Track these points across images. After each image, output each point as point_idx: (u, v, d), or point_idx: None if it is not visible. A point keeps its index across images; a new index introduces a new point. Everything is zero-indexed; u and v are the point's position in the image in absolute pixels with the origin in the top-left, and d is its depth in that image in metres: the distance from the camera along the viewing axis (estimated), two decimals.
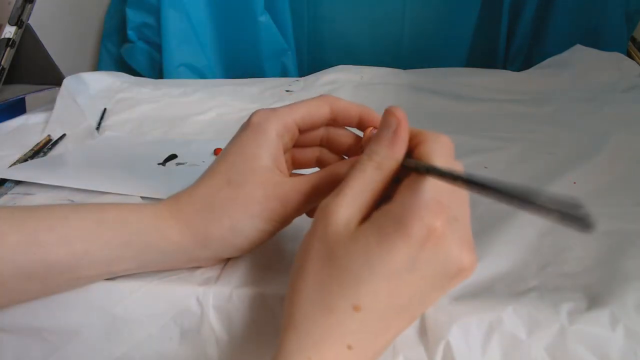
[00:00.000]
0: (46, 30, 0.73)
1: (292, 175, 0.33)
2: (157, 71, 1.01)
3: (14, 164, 0.51)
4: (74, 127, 0.61)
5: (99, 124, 0.64)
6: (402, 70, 0.83)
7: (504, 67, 1.00)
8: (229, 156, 0.30)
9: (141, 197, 0.41)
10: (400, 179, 0.25)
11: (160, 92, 0.75)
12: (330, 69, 0.84)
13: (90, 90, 0.73)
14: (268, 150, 0.29)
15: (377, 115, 0.31)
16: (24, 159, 0.52)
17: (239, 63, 1.03)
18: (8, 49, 0.65)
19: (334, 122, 0.32)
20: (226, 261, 0.33)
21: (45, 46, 0.70)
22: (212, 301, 0.30)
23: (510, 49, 1.00)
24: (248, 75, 0.93)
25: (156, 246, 0.29)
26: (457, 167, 0.25)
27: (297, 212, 0.30)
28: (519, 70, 0.85)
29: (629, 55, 0.89)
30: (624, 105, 0.64)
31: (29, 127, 0.63)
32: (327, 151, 0.33)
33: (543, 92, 0.72)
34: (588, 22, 0.93)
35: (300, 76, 0.90)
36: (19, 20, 0.66)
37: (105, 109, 0.68)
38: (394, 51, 1.04)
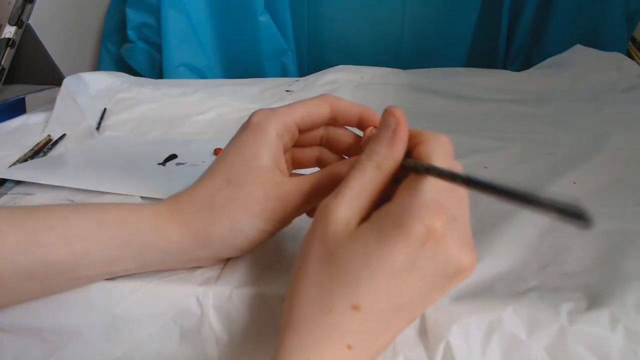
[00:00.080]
0: (46, 30, 0.73)
1: (292, 175, 0.33)
2: (157, 71, 1.01)
3: (14, 164, 0.51)
4: (74, 127, 0.61)
5: (99, 124, 0.64)
6: (402, 70, 0.83)
7: (504, 67, 1.00)
8: (229, 156, 0.30)
9: (141, 197, 0.41)
10: (399, 179, 0.25)
11: (160, 92, 0.75)
12: (330, 69, 0.84)
13: (90, 90, 0.73)
14: (268, 150, 0.29)
15: (377, 115, 0.31)
16: (24, 159, 0.52)
17: (239, 63, 1.03)
18: (8, 49, 0.65)
19: (333, 121, 0.32)
20: (226, 261, 0.33)
21: (45, 46, 0.70)
22: (212, 301, 0.30)
23: (510, 49, 1.00)
24: (248, 75, 0.93)
25: (156, 246, 0.29)
26: (457, 167, 0.25)
27: (297, 212, 0.30)
28: (519, 70, 0.85)
29: (629, 55, 0.89)
30: (624, 105, 0.64)
31: (29, 127, 0.63)
32: (327, 151, 0.33)
33: (543, 92, 0.72)
34: (588, 22, 0.93)
35: (300, 76, 0.90)
36: (19, 20, 0.66)
37: (105, 109, 0.68)
38: (394, 51, 1.04)
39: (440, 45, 1.02)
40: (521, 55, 1.00)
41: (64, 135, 0.60)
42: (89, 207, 0.30)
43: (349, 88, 0.75)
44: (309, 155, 0.33)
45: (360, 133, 0.32)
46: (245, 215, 0.29)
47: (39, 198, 0.43)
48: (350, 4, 1.02)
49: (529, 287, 0.30)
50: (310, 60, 1.07)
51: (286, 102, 0.32)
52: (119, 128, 0.63)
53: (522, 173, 0.46)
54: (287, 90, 0.77)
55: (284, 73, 1.03)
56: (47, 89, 0.70)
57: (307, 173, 0.31)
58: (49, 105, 0.66)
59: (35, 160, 0.53)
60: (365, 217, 0.24)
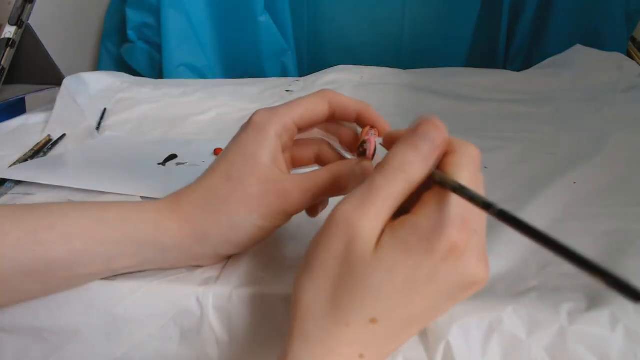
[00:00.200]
0: (46, 30, 0.73)
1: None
2: (157, 71, 1.01)
3: (14, 164, 0.51)
4: (74, 127, 0.61)
5: (99, 124, 0.64)
6: (402, 70, 0.83)
7: (504, 67, 1.00)
8: (230, 155, 0.30)
9: (141, 197, 0.41)
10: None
11: (160, 92, 0.75)
12: (330, 69, 0.84)
13: (90, 90, 0.73)
14: (268, 149, 0.29)
15: (374, 112, 0.31)
16: (24, 159, 0.52)
17: (239, 63, 1.03)
18: (8, 49, 0.65)
19: (332, 117, 0.32)
20: (226, 261, 0.33)
21: (45, 46, 0.70)
22: (212, 301, 0.30)
23: (510, 49, 1.00)
24: (248, 75, 0.93)
25: (156, 242, 0.29)
26: (481, 180, 0.25)
27: (295, 210, 0.30)
28: (519, 70, 0.85)
29: (629, 55, 0.89)
30: (624, 105, 0.64)
31: (29, 127, 0.63)
32: (326, 148, 0.33)
33: (543, 92, 0.72)
34: (588, 22, 0.93)
35: (300, 76, 0.90)
36: (19, 20, 0.66)
37: (105, 109, 0.68)
38: (394, 51, 1.04)
39: (440, 45, 1.02)
40: (521, 55, 1.00)
41: (64, 135, 0.60)
42: (89, 205, 0.30)
43: (349, 88, 0.76)
44: (308, 153, 0.33)
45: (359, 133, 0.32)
46: (243, 210, 0.29)
47: (39, 198, 0.43)
48: (350, 4, 1.02)
49: (529, 287, 0.30)
50: (310, 60, 1.07)
51: None
52: (119, 128, 0.63)
53: (522, 173, 0.46)
54: (287, 90, 0.77)
55: (284, 73, 1.03)
56: (47, 89, 0.70)
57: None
58: (49, 105, 0.66)
59: (35, 160, 0.53)
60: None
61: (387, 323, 0.23)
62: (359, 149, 0.30)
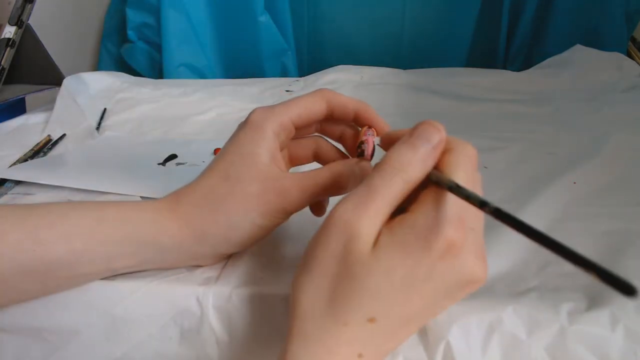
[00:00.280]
0: (46, 30, 0.73)
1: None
2: (157, 71, 1.01)
3: (14, 164, 0.51)
4: (74, 127, 0.61)
5: (99, 124, 0.64)
6: (402, 70, 0.83)
7: (504, 67, 1.00)
8: (227, 154, 0.30)
9: (141, 197, 0.41)
10: None
11: (160, 92, 0.75)
12: (330, 69, 0.84)
13: (90, 90, 0.73)
14: (266, 148, 0.29)
15: (373, 111, 0.31)
16: (24, 159, 0.52)
17: (239, 63, 1.03)
18: (8, 49, 0.65)
19: (330, 117, 0.32)
20: (226, 261, 0.33)
21: (45, 46, 0.70)
22: (212, 301, 0.30)
23: (510, 49, 1.00)
24: (248, 75, 0.93)
25: (155, 242, 0.29)
26: (478, 179, 0.25)
27: (295, 208, 0.30)
28: (519, 70, 0.85)
29: (629, 55, 0.89)
30: (624, 105, 0.64)
31: (29, 127, 0.63)
32: (324, 144, 0.33)
33: (543, 92, 0.72)
34: (588, 22, 0.93)
35: (300, 76, 0.90)
36: (19, 20, 0.66)
37: (105, 109, 0.68)
38: (394, 51, 1.04)
39: (440, 45, 1.02)
40: (521, 55, 1.00)
41: (64, 135, 0.60)
42: (89, 204, 0.30)
43: (349, 88, 0.76)
44: (306, 151, 0.33)
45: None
46: (242, 209, 0.29)
47: (39, 198, 0.43)
48: (350, 4, 1.02)
49: (529, 287, 0.30)
50: (310, 60, 1.07)
51: None
52: (119, 128, 0.63)
53: (522, 173, 0.46)
54: (287, 90, 0.77)
55: (284, 73, 1.03)
56: (47, 89, 0.70)
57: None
58: (49, 105, 0.66)
59: (35, 160, 0.53)
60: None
61: (385, 322, 0.23)
62: (358, 149, 0.30)
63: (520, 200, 0.40)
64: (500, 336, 0.27)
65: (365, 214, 0.23)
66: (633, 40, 0.95)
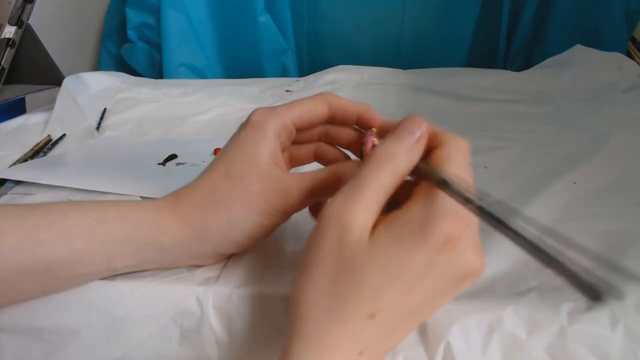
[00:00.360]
0: (46, 30, 0.73)
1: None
2: (157, 71, 1.01)
3: (14, 164, 0.51)
4: (74, 127, 0.61)
5: (99, 124, 0.64)
6: (402, 70, 0.83)
7: (504, 67, 1.00)
8: (228, 154, 0.30)
9: (141, 197, 0.41)
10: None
11: (160, 92, 0.75)
12: (330, 69, 0.84)
13: (90, 90, 0.73)
14: (267, 148, 0.29)
15: (376, 114, 0.31)
16: (24, 159, 0.52)
17: (239, 63, 1.03)
18: (8, 49, 0.65)
19: (332, 120, 0.32)
20: (226, 261, 0.33)
21: (45, 46, 0.70)
22: (212, 301, 0.30)
23: (510, 49, 1.00)
24: (248, 75, 0.93)
25: (155, 241, 0.29)
26: (470, 175, 0.25)
27: (295, 209, 0.30)
28: (519, 70, 0.86)
29: (629, 55, 0.89)
30: (624, 105, 0.64)
31: (29, 127, 0.63)
32: (324, 145, 0.33)
33: (543, 92, 0.72)
34: (588, 22, 0.93)
35: (300, 76, 0.90)
36: (19, 20, 0.66)
37: (105, 109, 0.68)
38: (394, 51, 1.04)
39: (440, 45, 1.02)
40: (521, 55, 1.00)
41: (64, 135, 0.60)
42: (89, 204, 0.30)
43: (349, 88, 0.75)
44: (307, 151, 0.33)
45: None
46: (242, 208, 0.29)
47: (39, 198, 0.43)
48: (350, 4, 1.02)
49: (529, 287, 0.30)
50: (310, 60, 1.07)
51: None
52: (119, 128, 0.63)
53: (522, 173, 0.46)
54: (287, 91, 0.77)
55: (284, 73, 1.03)
56: (47, 89, 0.70)
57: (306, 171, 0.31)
58: (49, 105, 0.66)
59: (35, 160, 0.53)
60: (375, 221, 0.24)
61: (385, 317, 0.23)
62: (361, 150, 0.30)
63: (520, 200, 0.40)
64: (500, 336, 0.27)
65: (356, 205, 0.23)
66: (633, 40, 0.95)
